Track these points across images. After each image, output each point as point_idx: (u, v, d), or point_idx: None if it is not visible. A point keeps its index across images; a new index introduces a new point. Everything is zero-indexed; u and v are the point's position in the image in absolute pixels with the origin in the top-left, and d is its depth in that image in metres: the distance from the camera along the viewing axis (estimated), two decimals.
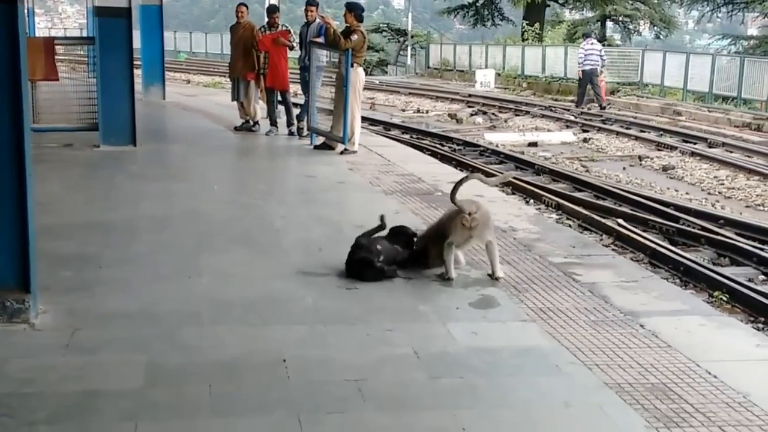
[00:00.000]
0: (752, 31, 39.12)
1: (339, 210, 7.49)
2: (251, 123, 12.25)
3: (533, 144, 15.96)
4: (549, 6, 35.10)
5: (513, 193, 10.38)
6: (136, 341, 4.24)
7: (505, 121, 19.56)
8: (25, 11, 5.62)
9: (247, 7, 12.13)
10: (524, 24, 32.56)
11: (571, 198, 10.21)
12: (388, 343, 4.30)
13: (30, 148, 4.39)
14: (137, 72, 12.72)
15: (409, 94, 24.93)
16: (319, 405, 3.61)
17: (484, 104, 22.02)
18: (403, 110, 22.02)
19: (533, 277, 5.46)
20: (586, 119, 19.10)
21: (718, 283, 6.80)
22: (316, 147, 10.84)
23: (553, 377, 3.97)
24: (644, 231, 8.60)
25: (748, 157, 14.21)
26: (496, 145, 15.04)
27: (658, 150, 15.14)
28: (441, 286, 5.28)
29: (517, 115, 20.30)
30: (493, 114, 20.41)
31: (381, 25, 44.67)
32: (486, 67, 29.02)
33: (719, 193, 11.83)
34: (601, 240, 8.30)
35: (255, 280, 5.31)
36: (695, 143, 15.64)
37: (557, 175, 11.86)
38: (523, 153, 14.44)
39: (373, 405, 3.64)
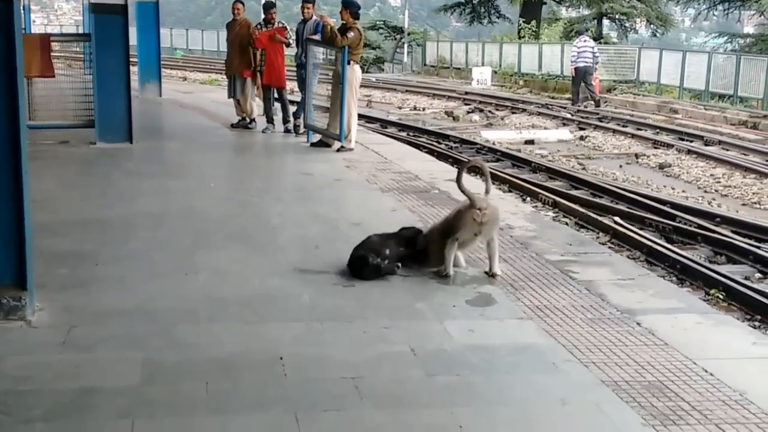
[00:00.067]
0: (748, 29, 39.20)
1: (335, 207, 7.49)
2: (248, 120, 12.24)
3: (530, 142, 15.96)
4: (545, 3, 35.10)
5: (510, 191, 10.39)
6: (133, 338, 4.24)
7: (502, 118, 19.56)
8: (21, 7, 5.60)
9: (243, 4, 12.13)
10: (521, 21, 32.56)
11: (568, 196, 10.21)
12: (384, 341, 4.30)
13: (26, 145, 4.37)
14: (133, 69, 12.71)
15: (406, 91, 24.91)
16: (316, 402, 3.61)
17: (480, 102, 22.01)
18: (400, 108, 22.00)
19: (530, 275, 5.46)
20: (582, 117, 19.11)
21: (715, 281, 6.81)
22: (313, 144, 10.83)
23: (549, 375, 3.98)
24: (641, 229, 8.60)
25: (745, 155, 14.23)
26: (493, 143, 15.05)
27: (655, 148, 15.15)
28: (438, 283, 5.28)
29: (513, 112, 20.30)
30: (489, 112, 20.41)
31: (378, 22, 44.67)
32: (483, 64, 29.00)
33: (715, 191, 11.84)
34: (598, 238, 8.31)
35: (251, 278, 5.30)
36: (692, 141, 15.66)
37: (554, 173, 11.87)
38: (519, 151, 14.45)
39: (370, 402, 3.64)
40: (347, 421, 3.49)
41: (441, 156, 12.56)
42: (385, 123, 17.22)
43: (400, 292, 5.12)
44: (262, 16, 12.13)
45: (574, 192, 10.61)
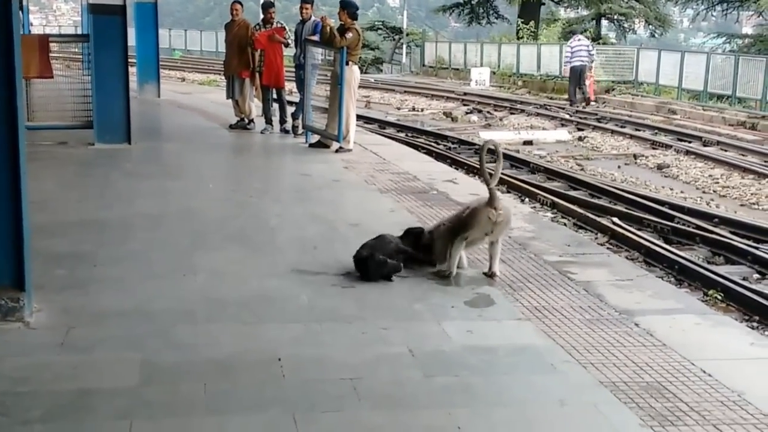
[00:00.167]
0: (747, 29, 39.23)
1: (334, 208, 7.49)
2: (246, 121, 12.24)
3: (528, 142, 15.97)
4: (544, 4, 35.12)
5: (508, 192, 10.39)
6: (131, 339, 4.23)
7: (501, 119, 19.57)
8: (20, 8, 5.59)
9: (241, 5, 12.13)
10: (519, 22, 32.56)
11: (566, 196, 10.22)
12: (383, 342, 4.30)
13: (24, 146, 4.37)
14: (132, 70, 12.71)
15: (405, 92, 24.91)
16: (314, 403, 3.61)
17: (479, 102, 22.02)
18: (399, 108, 22.01)
19: (528, 276, 5.46)
20: (581, 118, 19.11)
21: (713, 282, 6.81)
22: (311, 145, 10.83)
23: (548, 376, 3.98)
24: (639, 230, 8.61)
25: (743, 155, 14.24)
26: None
27: (653, 148, 15.16)
28: (436, 284, 5.28)
29: (512, 113, 20.31)
30: (488, 112, 20.42)
31: (376, 23, 44.72)
32: (481, 65, 29.00)
33: (714, 191, 11.85)
34: (596, 239, 8.31)
35: (250, 279, 5.30)
36: (690, 142, 15.67)
37: (552, 174, 11.87)
38: (518, 151, 14.46)
39: (369, 404, 3.64)
40: (345, 422, 3.49)
41: (439, 157, 12.58)
42: (383, 124, 17.23)
43: (398, 293, 5.12)
44: (261, 16, 12.14)
45: (572, 193, 10.62)
